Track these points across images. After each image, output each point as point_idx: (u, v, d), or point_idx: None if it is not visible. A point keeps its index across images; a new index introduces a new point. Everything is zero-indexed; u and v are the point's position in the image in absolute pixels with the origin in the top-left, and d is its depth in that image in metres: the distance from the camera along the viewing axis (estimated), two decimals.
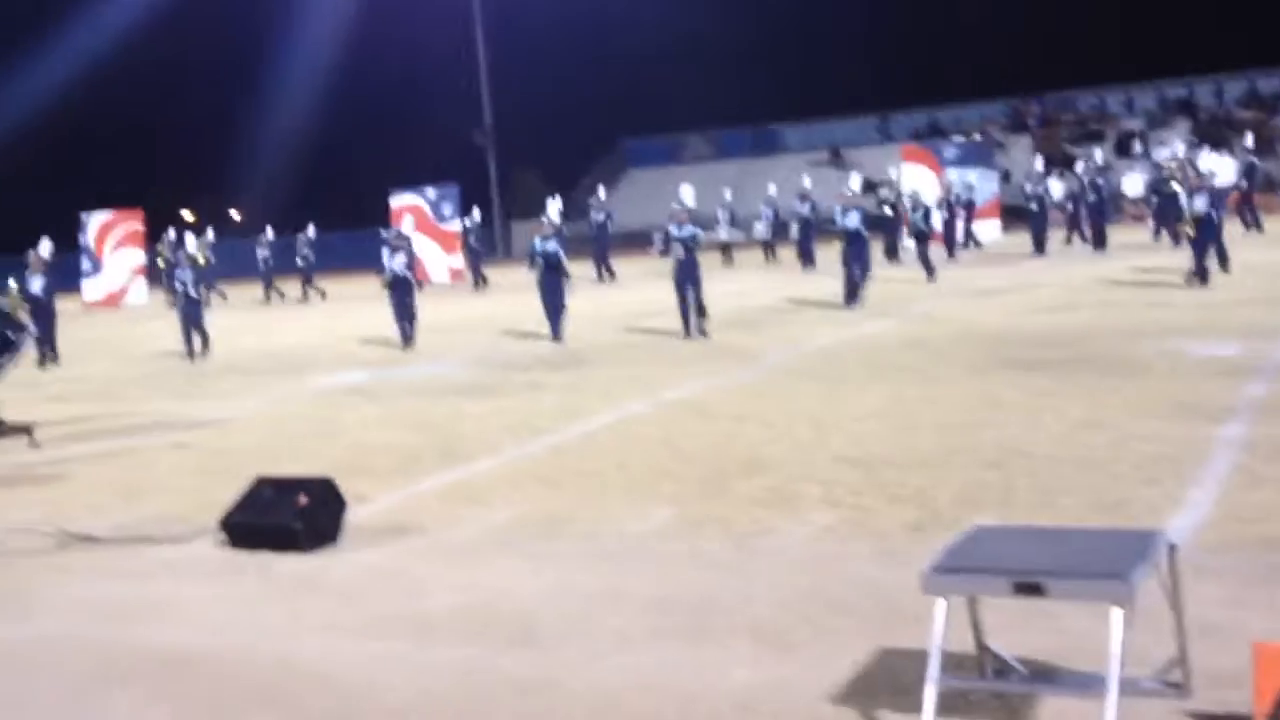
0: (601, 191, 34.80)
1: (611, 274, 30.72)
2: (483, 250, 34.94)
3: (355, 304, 28.52)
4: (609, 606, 5.69)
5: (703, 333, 16.75)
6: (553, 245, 17.56)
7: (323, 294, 33.16)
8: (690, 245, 16.94)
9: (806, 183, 32.69)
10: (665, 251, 18.18)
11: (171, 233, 33.79)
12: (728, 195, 35.33)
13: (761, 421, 10.16)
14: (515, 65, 59.04)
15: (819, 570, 6.05)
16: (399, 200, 35.12)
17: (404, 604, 5.97)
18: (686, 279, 16.84)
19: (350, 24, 61.03)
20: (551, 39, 65.37)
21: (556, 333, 17.35)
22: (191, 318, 19.22)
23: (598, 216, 31.91)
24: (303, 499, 7.14)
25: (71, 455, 10.94)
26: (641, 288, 26.15)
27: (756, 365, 14.00)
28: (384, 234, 21.51)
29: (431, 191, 35.31)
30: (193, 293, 19.34)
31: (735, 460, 8.66)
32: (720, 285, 22.18)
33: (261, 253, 34.37)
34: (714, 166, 55.66)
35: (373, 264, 21.37)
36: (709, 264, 20.39)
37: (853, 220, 19.86)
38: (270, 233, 34.95)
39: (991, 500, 7.05)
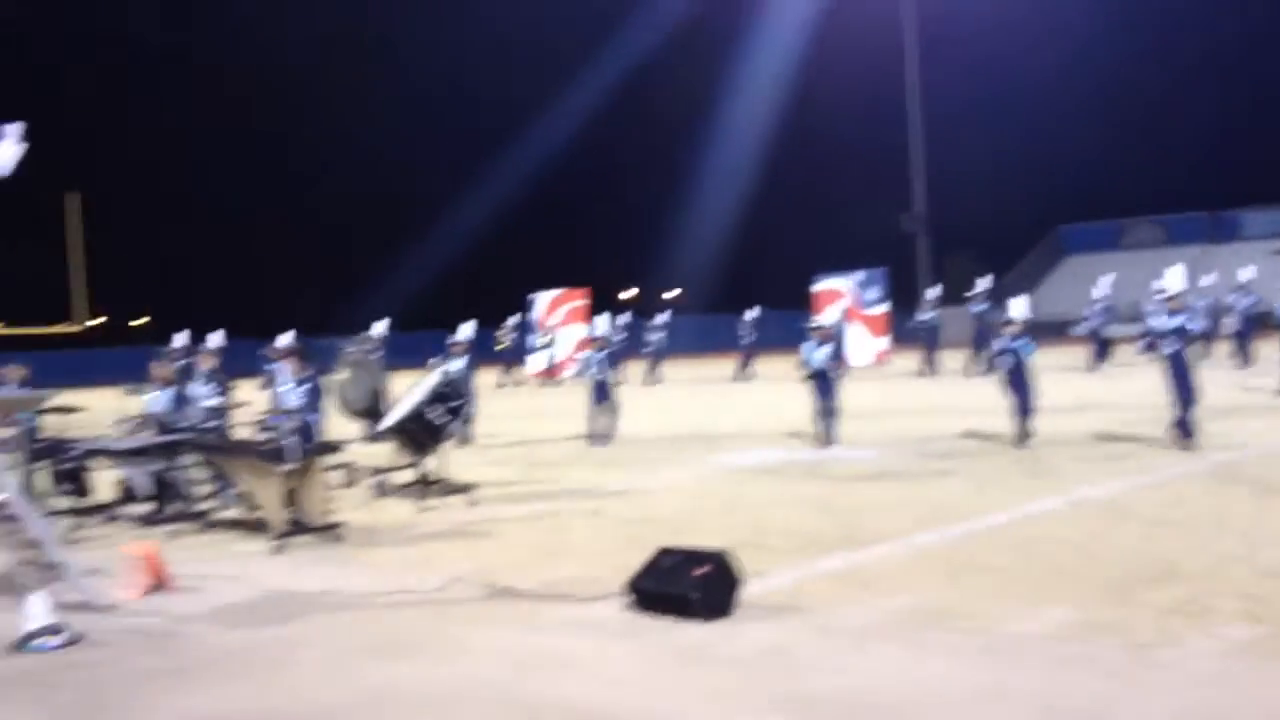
0: (981, 284, 31.86)
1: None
2: (937, 336, 32.57)
3: (777, 384, 29.16)
4: (992, 705, 5.58)
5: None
6: (1023, 342, 15.77)
7: (748, 374, 34.08)
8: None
9: (1248, 273, 30.52)
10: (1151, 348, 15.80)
11: (515, 317, 36.05)
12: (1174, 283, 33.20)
13: (1181, 527, 9.58)
14: (948, 148, 58.69)
15: (1228, 690, 5.67)
16: (824, 284, 35.68)
17: (787, 682, 6.10)
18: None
19: (781, 111, 62.94)
20: (986, 121, 64.61)
21: (1022, 432, 15.67)
22: (598, 397, 18.90)
23: (978, 308, 30.86)
24: (702, 570, 7.45)
25: (502, 516, 11.88)
26: (1072, 380, 25.15)
27: (1186, 465, 13.17)
28: (804, 325, 20.77)
29: (858, 275, 35.63)
30: (599, 375, 18.84)
31: (1146, 566, 8.22)
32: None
33: (653, 336, 35.88)
34: (1161, 253, 52.78)
35: (796, 343, 21.34)
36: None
37: None
38: (665, 315, 36.68)
39: None
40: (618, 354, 19.26)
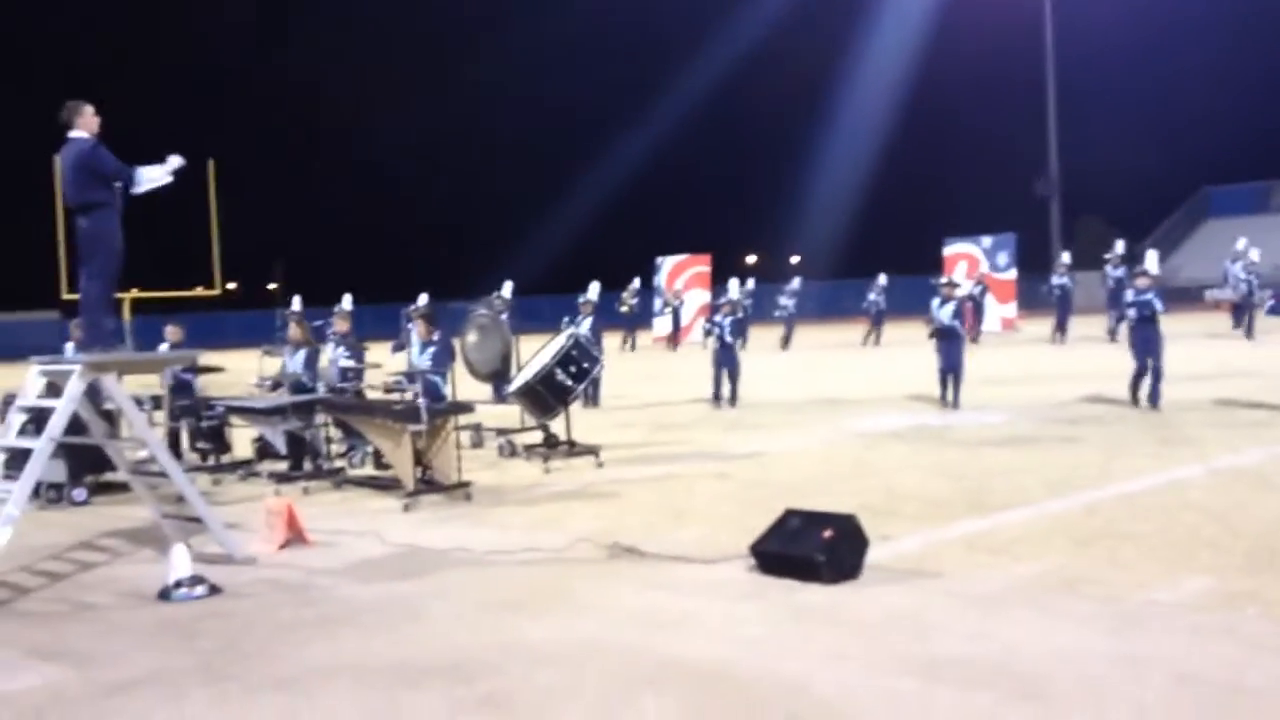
0: (1120, 246, 30.80)
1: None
2: (1069, 302, 31.35)
3: (905, 349, 28.82)
4: (1127, 674, 5.47)
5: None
6: (1149, 295, 15.54)
7: (877, 339, 33.61)
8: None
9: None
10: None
11: (637, 280, 35.76)
12: None
13: None
14: (1084, 110, 57.12)
15: None
16: (953, 248, 35.11)
17: (915, 645, 6.05)
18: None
19: (911, 73, 61.77)
20: (1123, 80, 62.70)
21: (1152, 399, 15.58)
22: (723, 363, 19.06)
23: (1115, 273, 29.50)
24: (828, 533, 7.42)
25: (628, 477, 11.96)
26: (1221, 346, 24.40)
27: None
28: (933, 282, 21.07)
29: (987, 240, 34.98)
30: (728, 338, 19.05)
31: None
32: None
33: (785, 301, 35.38)
34: None
35: (923, 311, 21.07)
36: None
37: None
38: (796, 282, 36.19)
39: None
40: (744, 319, 19.24)
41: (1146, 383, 15.51)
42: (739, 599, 7.07)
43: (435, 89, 76.64)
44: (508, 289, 24.03)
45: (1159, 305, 15.39)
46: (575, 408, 13.82)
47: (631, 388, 22.29)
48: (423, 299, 27.50)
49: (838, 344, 34.49)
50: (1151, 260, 16.75)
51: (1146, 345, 15.51)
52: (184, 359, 12.53)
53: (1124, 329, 16.70)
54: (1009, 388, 19.25)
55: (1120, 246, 30.53)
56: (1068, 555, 7.76)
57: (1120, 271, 29.06)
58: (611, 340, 35.43)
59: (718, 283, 38.62)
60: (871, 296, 34.27)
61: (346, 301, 28.30)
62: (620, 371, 22.95)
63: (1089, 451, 12.25)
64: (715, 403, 18.93)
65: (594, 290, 21.11)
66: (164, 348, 15.04)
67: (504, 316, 22.09)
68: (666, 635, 6.42)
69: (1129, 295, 16.05)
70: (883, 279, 34.59)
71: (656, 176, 75.27)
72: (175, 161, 9.02)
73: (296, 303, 27.30)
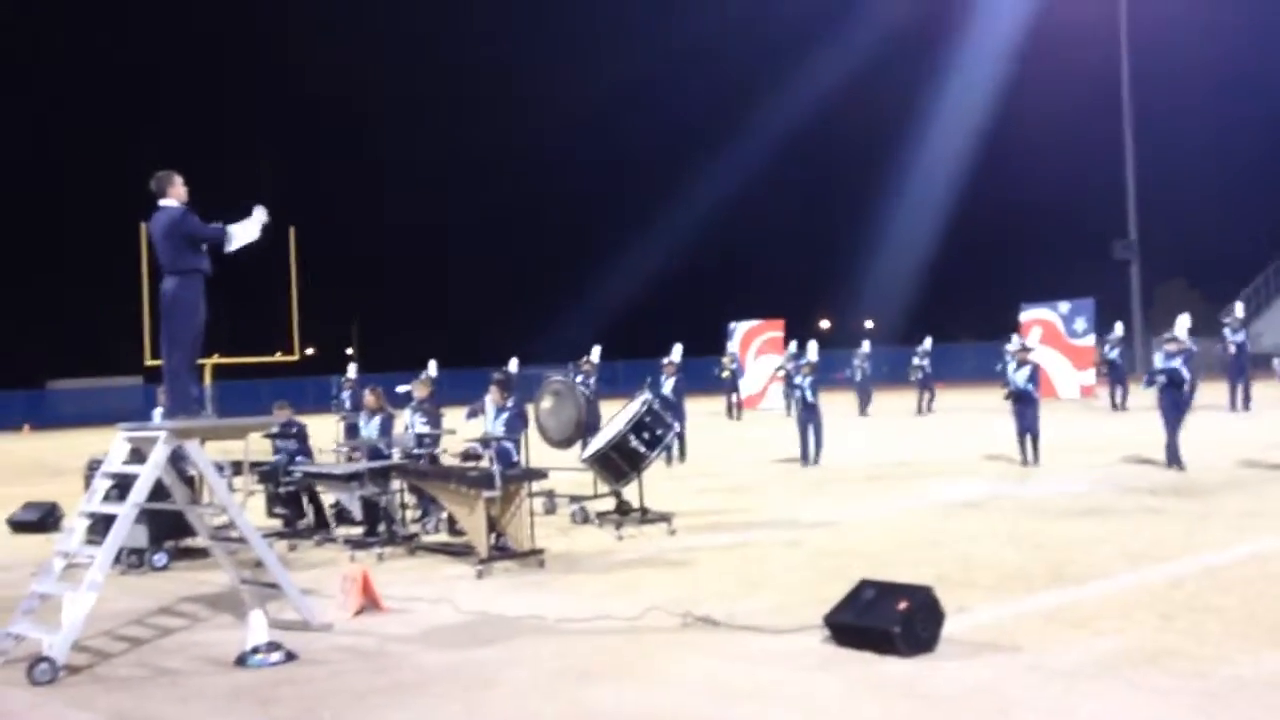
0: (1239, 309, 29.68)
1: (1247, 401, 27.44)
2: (1123, 368, 31.17)
3: (980, 415, 28.51)
4: None
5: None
6: (1177, 362, 16.29)
7: (929, 405, 32.87)
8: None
9: None
10: None
11: (793, 344, 35.26)
12: None
13: None
14: (1165, 171, 56.44)
15: None
16: (1030, 314, 34.77)
17: None
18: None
19: (988, 133, 61.50)
20: (1204, 144, 62.02)
21: (1171, 459, 16.30)
22: (808, 422, 19.72)
23: (1235, 338, 28.12)
24: (903, 604, 7.33)
25: (701, 545, 11.91)
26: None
27: None
28: (1006, 347, 21.24)
29: (1064, 305, 34.59)
30: (809, 398, 19.70)
31: None
32: None
33: (860, 364, 34.60)
34: None
35: (999, 377, 21.07)
36: None
37: None
38: (867, 346, 35.33)
39: None
40: (819, 381, 19.99)
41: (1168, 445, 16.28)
42: (814, 670, 7.00)
43: (501, 151, 77.87)
44: (596, 353, 24.58)
45: (1179, 375, 16.14)
46: (659, 467, 13.81)
47: (707, 451, 22.21)
48: (513, 364, 27.95)
49: (909, 409, 34.10)
50: (1181, 324, 17.04)
51: (1167, 406, 16.35)
52: (261, 425, 12.68)
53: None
54: (1088, 455, 18.94)
55: (1240, 309, 29.42)
56: (1150, 629, 7.60)
57: (1241, 336, 28.04)
58: (707, 404, 35.51)
59: (809, 343, 38.24)
60: (915, 361, 33.61)
61: (432, 368, 28.84)
62: (699, 436, 22.87)
63: (1170, 522, 12.01)
64: (804, 462, 19.42)
65: (677, 352, 22.18)
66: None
67: (591, 380, 22.92)
68: (741, 707, 6.37)
69: (1158, 361, 16.72)
70: (928, 343, 34.03)
71: (728, 240, 75.57)
72: (261, 215, 9.16)
73: (352, 370, 27.84)
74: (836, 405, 34.02)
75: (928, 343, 34.26)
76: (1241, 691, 6.22)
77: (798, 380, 20.37)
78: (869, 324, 71.71)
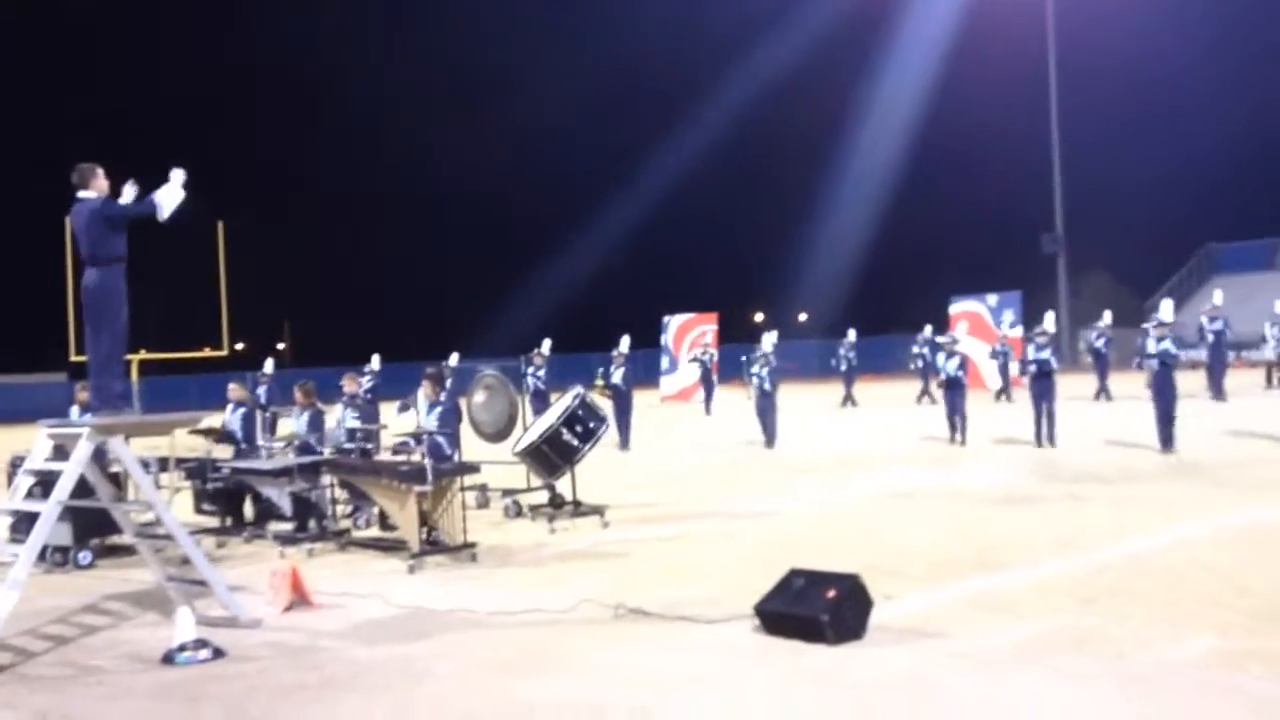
0: (1218, 297, 29.44)
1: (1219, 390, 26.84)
2: (1108, 357, 30.09)
3: (907, 406, 28.83)
4: None
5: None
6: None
7: (851, 399, 32.82)
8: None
9: None
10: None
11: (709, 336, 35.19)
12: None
13: None
14: (1090, 168, 57.37)
15: None
16: (958, 306, 35.19)
17: (920, 707, 6.03)
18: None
19: (920, 128, 62.09)
20: (1130, 139, 63.07)
21: (1164, 442, 16.99)
22: (763, 410, 21.17)
23: (1213, 326, 27.77)
24: (832, 593, 7.41)
25: (634, 536, 11.95)
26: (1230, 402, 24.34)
27: None
28: (937, 338, 22.12)
29: (992, 298, 35.06)
30: (767, 387, 21.13)
31: None
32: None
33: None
34: None
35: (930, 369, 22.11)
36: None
37: None
38: (852, 335, 34.59)
39: None
40: (777, 370, 21.69)
41: (1161, 427, 16.93)
42: (743, 660, 7.06)
43: (437, 149, 77.45)
44: (546, 346, 24.94)
45: (1169, 358, 16.96)
46: (598, 457, 13.90)
47: (642, 445, 22.25)
48: (453, 358, 27.84)
49: (833, 403, 34.29)
50: (1167, 309, 18.49)
51: (1160, 389, 17.04)
52: (188, 421, 12.48)
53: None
54: (1014, 445, 19.22)
55: (1218, 297, 29.08)
56: (1073, 614, 7.74)
57: (1219, 325, 27.56)
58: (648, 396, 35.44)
59: (765, 334, 38.02)
60: (841, 352, 33.23)
61: (375, 361, 28.63)
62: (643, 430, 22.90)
63: (1095, 509, 12.23)
64: (766, 444, 20.96)
65: (625, 344, 23.65)
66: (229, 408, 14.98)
67: (542, 372, 23.57)
68: (671, 696, 6.41)
69: (1147, 347, 17.84)
70: (852, 335, 33.58)
71: (660, 235, 75.63)
72: (179, 175, 8.87)
73: (269, 366, 27.56)
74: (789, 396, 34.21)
75: (851, 335, 33.69)
76: (1162, 673, 6.36)
77: (755, 370, 21.59)
78: (803, 317, 72.22)
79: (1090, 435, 19.72)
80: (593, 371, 24.27)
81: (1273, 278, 51.18)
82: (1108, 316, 31.54)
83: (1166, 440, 16.83)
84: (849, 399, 32.46)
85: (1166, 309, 18.38)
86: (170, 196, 8.85)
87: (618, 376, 22.68)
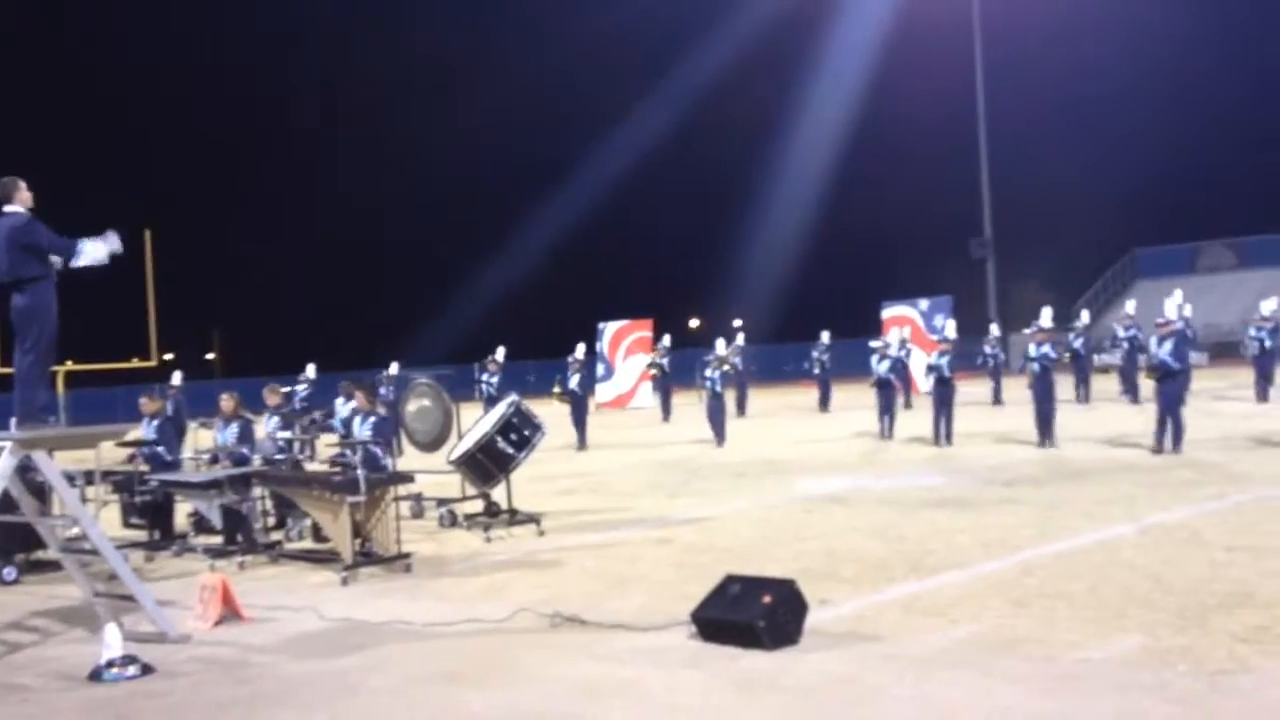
0: (1130, 306, 29.29)
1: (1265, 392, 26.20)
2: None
3: (846, 412, 29.04)
4: None
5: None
6: (1047, 349, 18.54)
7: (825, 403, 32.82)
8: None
9: (1271, 305, 27.51)
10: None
11: (665, 339, 35.05)
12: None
13: (1254, 553, 9.42)
14: (1017, 174, 58.17)
15: None
16: (891, 311, 35.50)
17: (855, 711, 6.08)
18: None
19: (851, 133, 62.65)
20: (1054, 145, 64.04)
21: (1042, 438, 18.38)
22: (713, 411, 22.63)
23: (1128, 332, 27.86)
24: (767, 598, 7.44)
25: (570, 544, 11.92)
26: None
27: (1260, 491, 12.93)
28: (872, 344, 22.54)
29: (924, 302, 35.42)
30: (718, 389, 22.70)
31: (1219, 592, 8.10)
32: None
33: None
34: (1236, 277, 52.19)
35: (864, 372, 23.25)
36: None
37: None
38: (826, 337, 33.56)
39: None
40: (735, 375, 24.32)
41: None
42: (679, 667, 7.06)
43: (370, 153, 76.89)
44: (500, 353, 25.29)
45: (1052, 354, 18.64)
46: (536, 463, 13.93)
47: (580, 454, 22.24)
48: (394, 367, 27.76)
49: (780, 407, 34.55)
50: (1044, 316, 19.91)
51: (1042, 400, 18.44)
52: (114, 434, 12.26)
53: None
54: (945, 450, 19.43)
55: (1131, 306, 29.17)
56: (1004, 616, 7.83)
57: (1132, 331, 27.43)
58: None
59: (717, 339, 37.76)
60: (815, 355, 33.14)
61: (310, 370, 28.27)
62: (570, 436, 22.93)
63: (1025, 512, 12.38)
64: (718, 442, 22.32)
65: (580, 350, 25.54)
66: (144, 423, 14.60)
67: (495, 379, 24.17)
68: (607, 704, 6.40)
69: (1032, 350, 18.63)
70: (825, 337, 33.42)
71: (594, 242, 75.54)
72: (115, 241, 8.89)
73: (177, 378, 27.02)
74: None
75: (825, 337, 33.41)
76: (1090, 673, 6.45)
77: (708, 373, 23.17)
78: (737, 322, 72.34)
79: (1010, 437, 19.98)
80: (543, 378, 25.91)
81: (1192, 281, 52.28)
82: (994, 330, 32.37)
83: (1046, 434, 18.25)
84: (825, 401, 32.35)
85: (1045, 315, 19.85)
86: (95, 251, 8.80)
87: (574, 382, 24.28)
